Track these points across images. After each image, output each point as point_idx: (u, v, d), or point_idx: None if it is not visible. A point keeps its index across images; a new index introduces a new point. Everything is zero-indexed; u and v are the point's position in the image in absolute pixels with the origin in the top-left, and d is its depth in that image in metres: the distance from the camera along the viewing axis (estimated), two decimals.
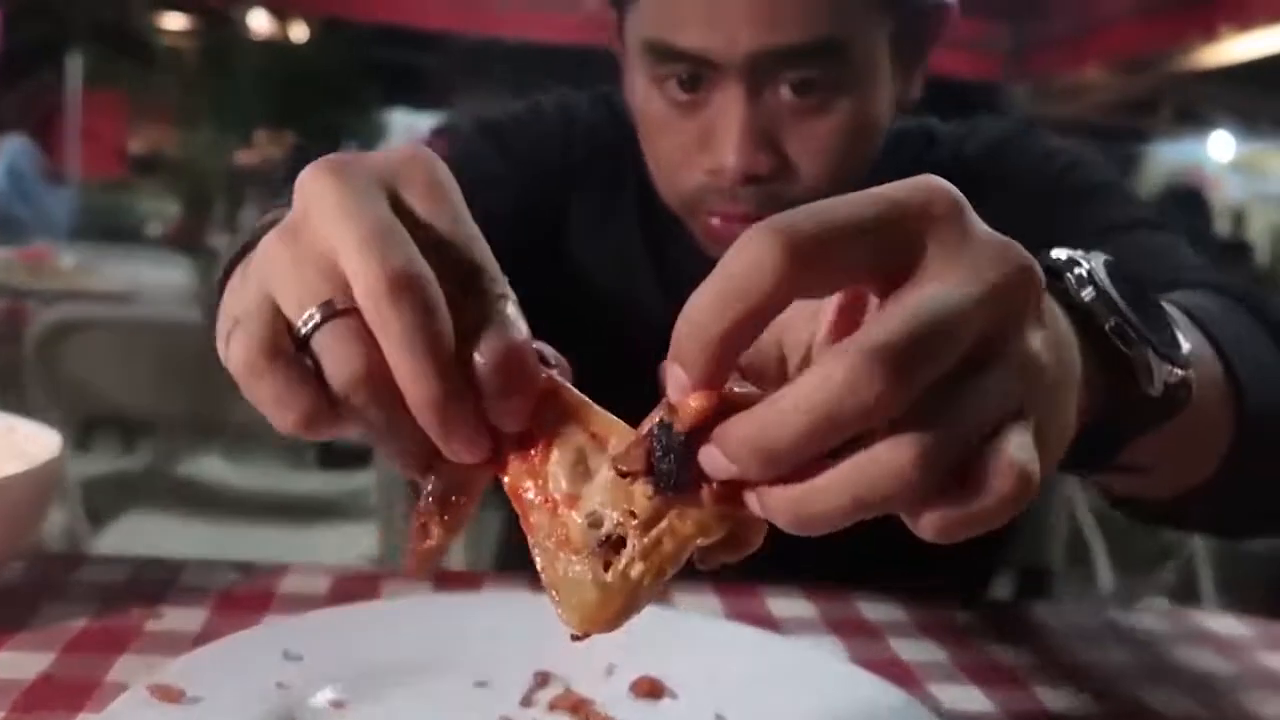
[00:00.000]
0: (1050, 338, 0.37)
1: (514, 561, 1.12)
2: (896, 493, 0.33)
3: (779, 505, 0.35)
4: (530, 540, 0.40)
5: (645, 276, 0.97)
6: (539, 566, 0.40)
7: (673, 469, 0.36)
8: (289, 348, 0.38)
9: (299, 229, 0.39)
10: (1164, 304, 0.51)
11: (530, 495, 0.40)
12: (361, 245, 0.37)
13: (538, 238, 0.96)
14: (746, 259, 0.34)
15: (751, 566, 0.77)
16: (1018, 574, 2.12)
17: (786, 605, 0.80)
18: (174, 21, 9.25)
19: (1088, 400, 0.42)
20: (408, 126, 12.59)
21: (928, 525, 0.34)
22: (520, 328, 0.39)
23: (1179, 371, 0.47)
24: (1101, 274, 0.47)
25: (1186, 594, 2.52)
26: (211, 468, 2.60)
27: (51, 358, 1.98)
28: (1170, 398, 0.47)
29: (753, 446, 0.34)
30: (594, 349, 0.92)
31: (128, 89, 8.53)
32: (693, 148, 0.82)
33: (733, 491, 0.36)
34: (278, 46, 9.68)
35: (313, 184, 0.39)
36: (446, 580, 0.80)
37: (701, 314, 0.34)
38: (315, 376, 0.38)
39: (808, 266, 0.34)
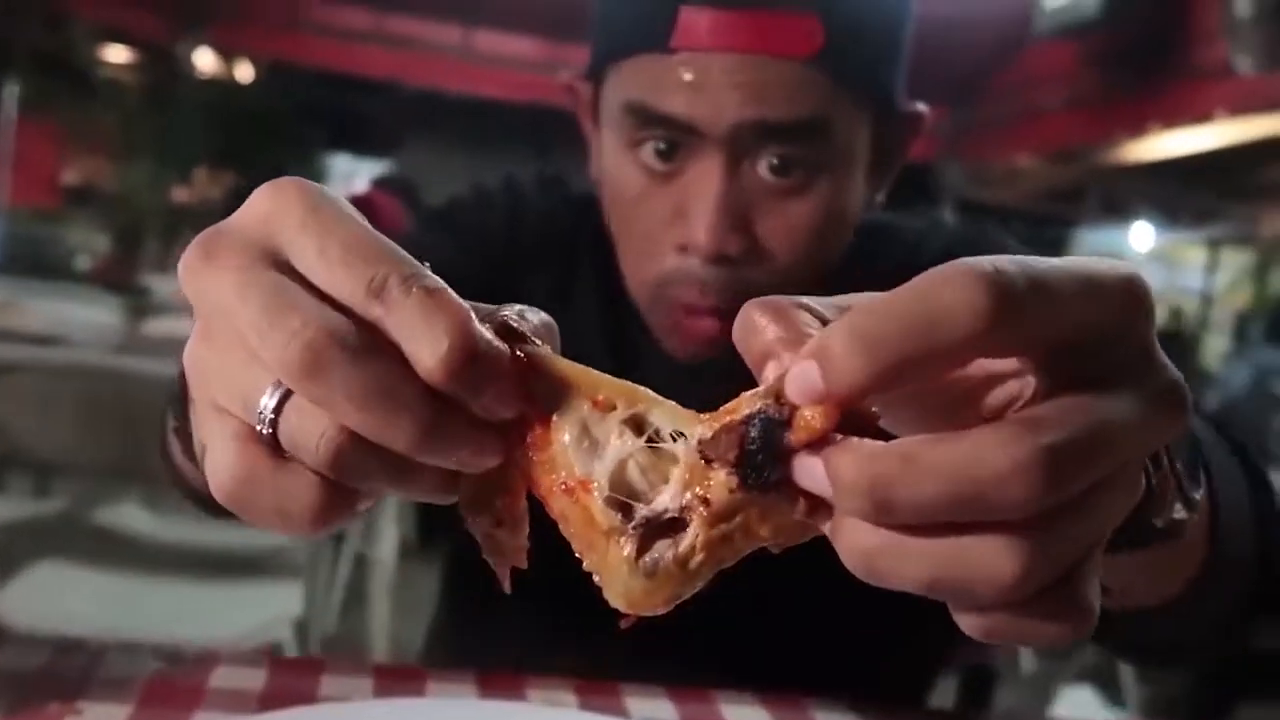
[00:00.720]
0: None
1: (447, 640, 1.09)
2: (983, 592, 0.32)
3: (856, 546, 0.33)
4: (561, 527, 0.38)
5: (601, 368, 0.96)
6: (576, 551, 0.37)
7: (769, 468, 0.33)
8: (265, 451, 0.36)
9: (206, 329, 0.37)
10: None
11: (544, 483, 0.37)
12: (260, 332, 0.34)
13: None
14: (954, 293, 0.31)
15: (703, 669, 0.76)
16: (963, 674, 2.14)
17: (741, 712, 0.79)
18: (117, 55, 9.14)
19: None
20: (347, 173, 12.55)
21: (978, 625, 0.33)
22: (454, 316, 0.35)
23: (1186, 512, 0.46)
24: None
25: (1107, 678, 2.55)
26: (130, 516, 2.53)
27: None
28: (1167, 530, 0.46)
29: (870, 486, 0.31)
30: None
31: (65, 120, 8.39)
32: (664, 220, 0.80)
33: (815, 504, 0.34)
34: (222, 85, 9.61)
35: (191, 279, 0.37)
36: (384, 678, 0.76)
37: (881, 326, 0.32)
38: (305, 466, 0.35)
39: (1012, 321, 0.31)
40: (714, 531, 0.35)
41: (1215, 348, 10.45)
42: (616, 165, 0.83)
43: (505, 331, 0.38)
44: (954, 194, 8.95)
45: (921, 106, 0.88)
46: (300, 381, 0.34)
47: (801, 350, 0.33)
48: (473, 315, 0.36)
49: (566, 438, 0.37)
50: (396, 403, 0.34)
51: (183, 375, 0.41)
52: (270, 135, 9.36)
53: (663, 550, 0.36)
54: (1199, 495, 0.47)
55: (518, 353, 0.38)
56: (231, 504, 0.36)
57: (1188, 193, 8.96)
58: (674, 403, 0.38)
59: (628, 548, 0.36)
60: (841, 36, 0.77)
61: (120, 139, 8.53)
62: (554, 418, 0.37)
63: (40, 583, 2.08)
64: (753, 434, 0.34)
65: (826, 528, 0.34)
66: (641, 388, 0.38)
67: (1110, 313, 0.34)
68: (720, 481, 0.35)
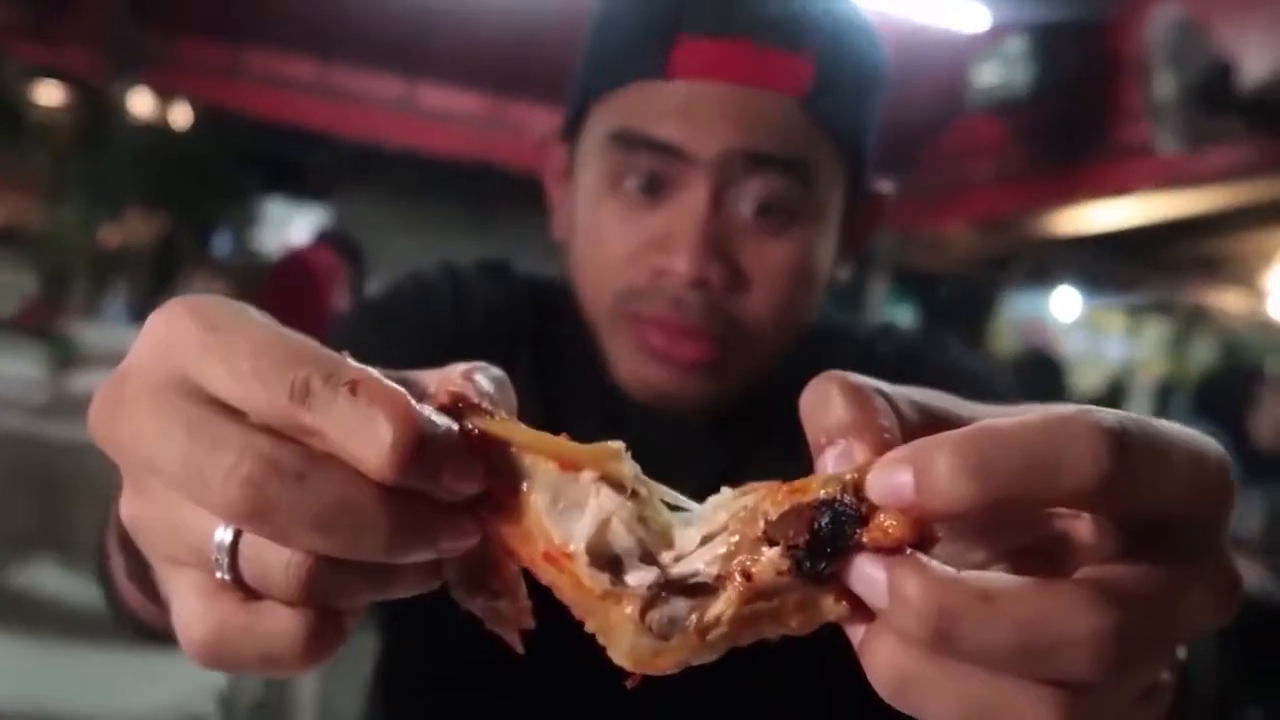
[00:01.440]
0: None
1: (389, 690, 1.06)
2: None
3: (892, 666, 0.31)
4: (555, 593, 0.36)
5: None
6: (576, 616, 0.35)
7: (830, 561, 0.32)
8: (232, 597, 0.33)
9: (135, 484, 0.35)
10: None
11: (524, 554, 0.35)
12: (190, 478, 0.32)
13: None
14: (1079, 444, 0.30)
15: None
16: None
17: None
18: (49, 95, 8.99)
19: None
20: (282, 218, 12.43)
21: None
22: (390, 405, 0.33)
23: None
24: None
25: None
26: (45, 576, 2.45)
27: None
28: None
29: (938, 614, 0.30)
30: None
31: None
32: (644, 248, 0.80)
33: (856, 606, 0.32)
34: (156, 129, 9.50)
35: (106, 434, 0.35)
36: None
37: (1000, 457, 0.30)
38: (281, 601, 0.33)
39: (1125, 483, 0.31)
40: (746, 608, 0.33)
41: (1137, 413, 10.71)
42: (595, 203, 0.82)
43: (453, 403, 0.36)
44: (885, 260, 9.12)
45: (887, 187, 0.91)
46: (248, 522, 0.32)
47: (895, 452, 0.32)
48: (409, 399, 0.33)
49: (539, 505, 0.35)
50: (355, 515, 0.32)
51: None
52: (204, 180, 9.25)
53: (682, 612, 0.34)
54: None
55: (469, 425, 0.35)
56: (209, 662, 0.34)
57: (1111, 263, 9.22)
58: (636, 465, 0.37)
59: (630, 607, 0.34)
60: (830, 82, 0.80)
61: (50, 179, 8.37)
62: (523, 486, 0.35)
63: None
64: (823, 522, 0.32)
65: (857, 632, 0.33)
66: (607, 445, 0.37)
67: (1208, 493, 0.33)
68: (770, 560, 0.33)
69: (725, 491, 0.36)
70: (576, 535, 0.35)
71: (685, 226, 0.77)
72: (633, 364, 0.83)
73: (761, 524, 0.33)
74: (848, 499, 0.32)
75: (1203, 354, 10.41)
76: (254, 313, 0.37)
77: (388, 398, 0.33)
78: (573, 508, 0.35)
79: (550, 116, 0.93)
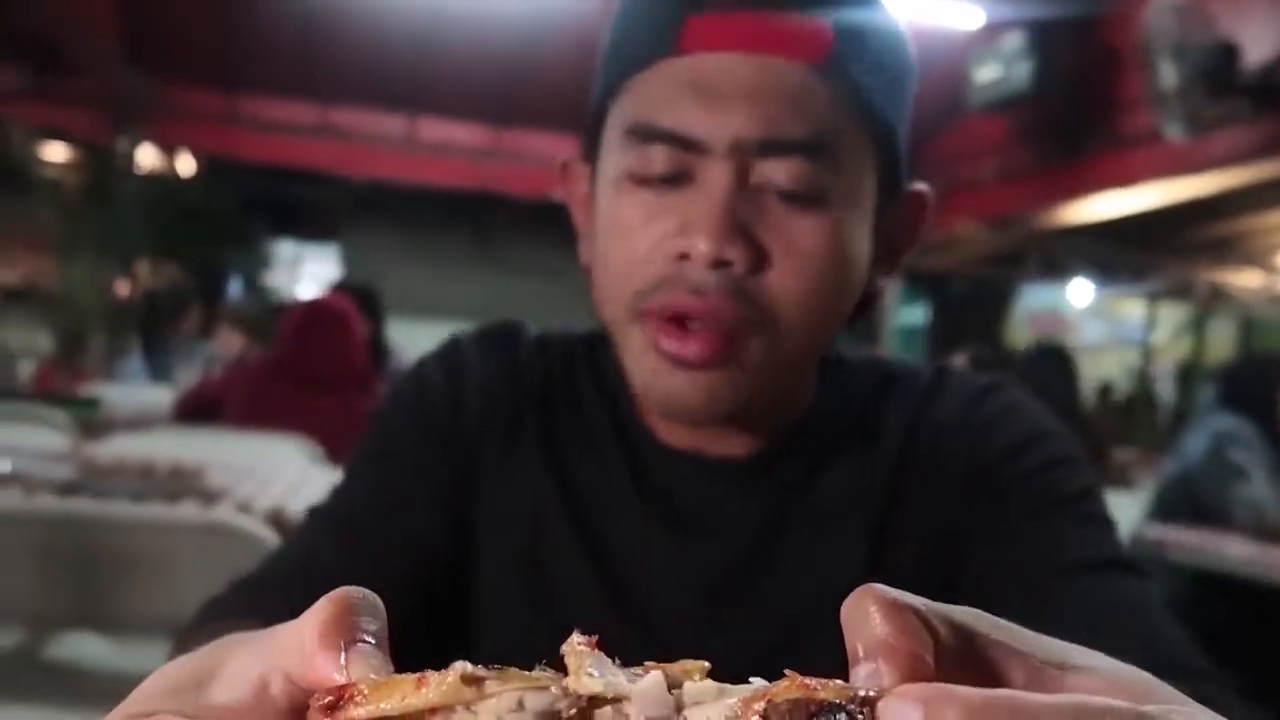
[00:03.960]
0: None
1: None
2: None
3: None
4: None
5: (556, 523, 0.90)
6: None
7: None
8: None
9: None
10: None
11: None
12: None
13: (455, 508, 0.89)
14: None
15: None
16: None
17: None
18: (55, 153, 9.08)
19: None
20: (293, 258, 12.53)
21: None
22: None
23: None
24: None
25: None
26: (86, 649, 2.45)
27: None
28: None
29: None
30: (519, 610, 0.87)
31: (2, 219, 8.31)
32: (663, 238, 0.76)
33: None
34: (162, 180, 9.58)
35: None
36: None
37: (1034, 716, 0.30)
38: None
39: None
40: None
41: (1158, 397, 10.67)
42: (615, 200, 0.79)
43: (336, 699, 0.35)
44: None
45: (921, 186, 0.87)
46: None
47: (915, 686, 0.32)
48: None
49: None
50: None
51: None
52: (211, 228, 9.32)
53: None
54: None
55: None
56: None
57: (1124, 251, 9.20)
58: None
59: None
60: (849, 49, 0.77)
61: (60, 237, 8.44)
62: None
63: None
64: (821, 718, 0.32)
65: None
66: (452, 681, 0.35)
67: None
68: None
69: (757, 682, 0.36)
70: None
71: (704, 208, 0.75)
72: (647, 376, 0.80)
73: (763, 704, 0.34)
74: (856, 711, 0.32)
75: (1222, 335, 10.37)
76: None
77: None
78: None
79: (550, 143, 0.92)
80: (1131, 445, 6.48)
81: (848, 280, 0.80)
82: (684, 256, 0.75)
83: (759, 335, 0.77)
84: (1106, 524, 0.84)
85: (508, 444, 0.91)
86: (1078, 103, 6.41)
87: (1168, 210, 6.96)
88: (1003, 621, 0.36)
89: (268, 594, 0.62)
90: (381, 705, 0.34)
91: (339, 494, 0.90)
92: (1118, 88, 6.30)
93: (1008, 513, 0.83)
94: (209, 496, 2.20)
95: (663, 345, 0.77)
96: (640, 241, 0.78)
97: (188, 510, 2.01)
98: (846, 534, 0.85)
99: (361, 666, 0.35)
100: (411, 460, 0.90)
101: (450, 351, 0.95)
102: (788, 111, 0.75)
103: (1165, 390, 10.75)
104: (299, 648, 0.36)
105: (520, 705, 0.35)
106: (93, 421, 3.94)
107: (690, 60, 0.76)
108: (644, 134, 0.77)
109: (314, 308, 3.55)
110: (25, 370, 6.49)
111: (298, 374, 3.41)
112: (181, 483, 2.23)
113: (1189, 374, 10.02)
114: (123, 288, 8.84)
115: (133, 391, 4.62)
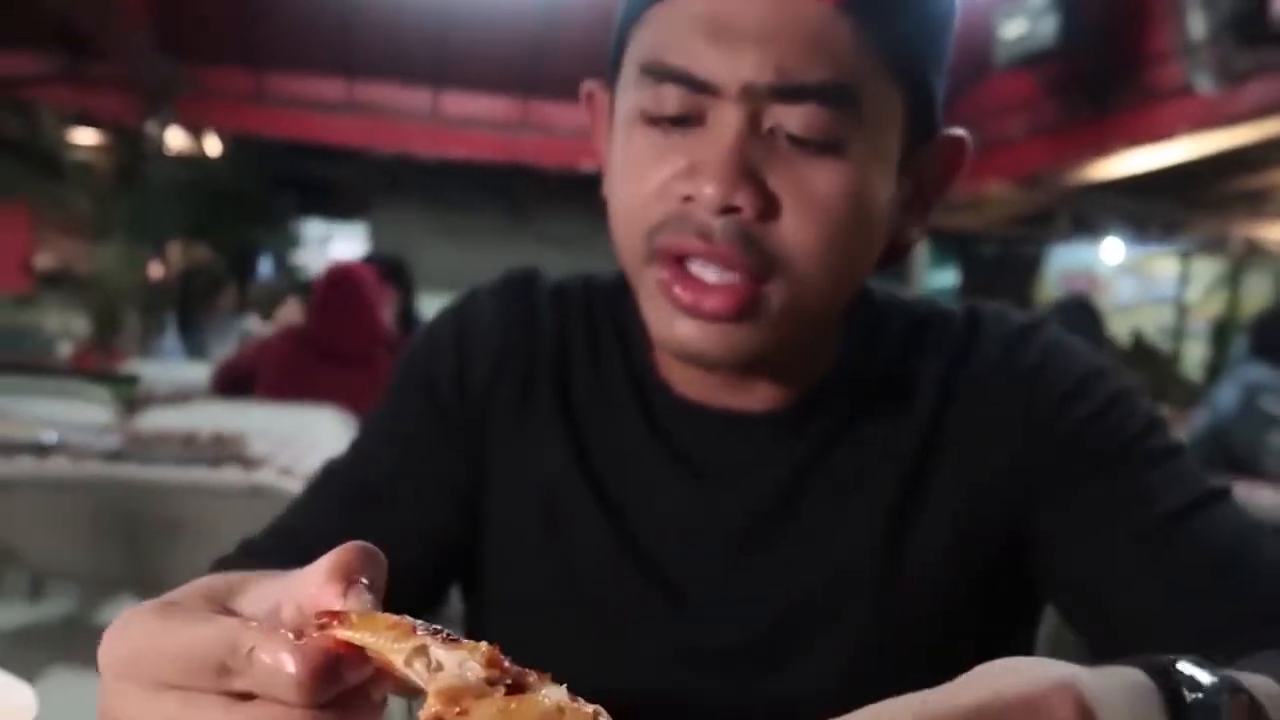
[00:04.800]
0: None
1: None
2: None
3: None
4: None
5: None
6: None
7: None
8: None
9: None
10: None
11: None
12: None
13: (461, 483, 0.89)
14: None
15: None
16: None
17: None
18: (85, 137, 9.16)
19: None
20: (322, 237, 12.59)
21: None
22: (283, 657, 0.42)
23: None
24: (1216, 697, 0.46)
25: None
26: None
27: None
28: None
29: None
30: (533, 584, 0.87)
31: (35, 204, 8.40)
32: (672, 178, 0.74)
33: None
34: (191, 160, 9.64)
35: None
36: None
37: None
38: None
39: None
40: None
41: (1193, 355, 10.56)
42: (628, 138, 0.78)
43: (323, 620, 0.45)
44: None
45: (959, 131, 0.84)
46: None
47: None
48: (289, 644, 0.43)
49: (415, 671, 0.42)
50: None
51: None
52: (240, 207, 9.38)
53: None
54: None
55: (336, 636, 0.44)
56: None
57: (1155, 207, 9.09)
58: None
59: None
60: None
61: (92, 219, 8.54)
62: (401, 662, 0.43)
63: (56, 690, 2.05)
64: None
65: None
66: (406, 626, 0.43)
67: None
68: None
69: None
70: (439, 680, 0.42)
71: (713, 151, 0.72)
72: (663, 321, 0.78)
73: None
74: None
75: (1257, 289, 10.23)
76: (175, 620, 0.45)
77: (278, 653, 0.43)
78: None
79: (577, 114, 0.90)
80: (1164, 402, 6.43)
81: (866, 230, 0.77)
82: (690, 199, 0.74)
83: (776, 285, 0.74)
84: (1178, 453, 0.82)
85: (519, 411, 0.89)
86: (1105, 56, 6.32)
87: (1199, 164, 6.87)
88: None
89: (269, 560, 0.63)
90: (361, 634, 0.44)
91: (350, 458, 0.91)
92: (1146, 40, 6.21)
93: (1077, 469, 0.80)
94: (250, 463, 2.24)
95: (678, 294, 0.75)
96: (650, 181, 0.76)
97: (231, 474, 2.06)
98: (875, 493, 0.83)
99: (355, 602, 0.45)
100: (417, 434, 0.89)
101: (459, 314, 0.94)
102: (804, 54, 0.71)
103: (1200, 347, 10.64)
104: (311, 584, 0.46)
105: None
106: (132, 397, 4.01)
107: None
108: (657, 73, 0.74)
109: (333, 278, 3.55)
110: (63, 352, 6.58)
111: (323, 345, 3.44)
112: (223, 449, 2.28)
113: (1224, 330, 9.90)
114: (155, 269, 8.93)
115: (170, 368, 4.68)
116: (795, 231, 0.73)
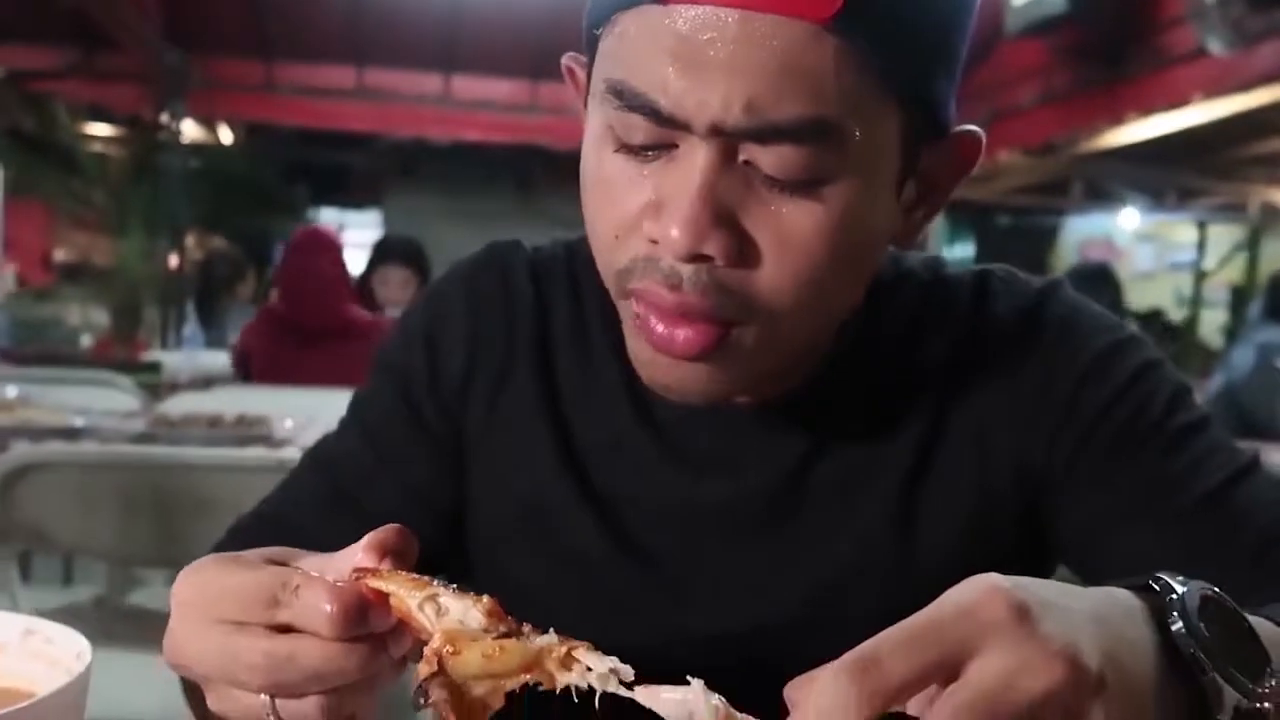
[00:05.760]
0: (1113, 703, 0.44)
1: None
2: None
3: None
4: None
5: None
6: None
7: None
8: None
9: (207, 686, 0.58)
10: (1261, 625, 0.53)
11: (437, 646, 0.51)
12: (227, 680, 0.55)
13: (437, 480, 0.89)
14: (826, 703, 0.43)
15: None
16: None
17: None
18: (99, 130, 9.21)
19: (1164, 715, 0.48)
20: (336, 224, 12.63)
21: None
22: (322, 596, 0.52)
23: (1254, 704, 0.49)
24: (1193, 604, 0.50)
25: None
26: (165, 596, 2.55)
27: (9, 502, 1.95)
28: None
29: None
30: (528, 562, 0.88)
31: (52, 198, 8.45)
32: (641, 212, 0.68)
33: None
34: (205, 151, 9.68)
35: (178, 663, 0.58)
36: None
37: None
38: None
39: (879, 694, 0.43)
40: None
41: (1212, 322, 10.50)
42: (597, 155, 0.71)
43: (358, 573, 0.55)
44: None
45: (972, 128, 0.75)
46: (271, 692, 0.55)
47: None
48: (328, 585, 0.54)
49: (428, 617, 0.52)
50: (329, 663, 0.54)
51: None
52: (255, 196, 9.40)
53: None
54: (1272, 684, 0.50)
55: (368, 585, 0.54)
56: None
57: (1171, 174, 9.02)
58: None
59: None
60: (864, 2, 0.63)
61: (109, 212, 8.58)
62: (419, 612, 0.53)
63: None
64: None
65: None
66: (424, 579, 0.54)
67: (964, 628, 0.45)
68: None
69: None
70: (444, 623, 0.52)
71: (680, 191, 0.65)
72: (638, 356, 0.74)
73: None
74: None
75: (1276, 254, 10.16)
76: (237, 565, 0.56)
77: (318, 590, 0.53)
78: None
79: None
80: (1182, 369, 6.41)
81: (854, 264, 0.71)
82: (658, 242, 0.67)
83: (747, 329, 0.69)
84: (1205, 427, 0.80)
85: (499, 396, 0.87)
86: (1117, 21, 6.28)
87: (1214, 128, 6.82)
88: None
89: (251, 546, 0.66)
90: (386, 584, 0.53)
91: (331, 448, 0.91)
92: (1157, 3, 6.17)
93: (1104, 455, 0.78)
94: (276, 443, 2.28)
95: (650, 330, 0.70)
96: (620, 208, 0.70)
97: (258, 452, 2.09)
98: (884, 478, 0.81)
99: (386, 566, 0.55)
100: (391, 436, 0.89)
101: (431, 302, 0.91)
102: (779, 86, 0.62)
103: (1218, 314, 10.57)
104: (353, 556, 0.56)
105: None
106: (155, 385, 4.06)
107: (673, 13, 0.64)
108: (624, 98, 0.67)
109: (294, 252, 3.50)
110: (84, 344, 6.64)
111: (289, 322, 3.41)
112: (249, 429, 2.32)
113: (1242, 296, 9.84)
114: (173, 260, 8.97)
115: (191, 356, 4.72)
116: (772, 277, 0.67)
